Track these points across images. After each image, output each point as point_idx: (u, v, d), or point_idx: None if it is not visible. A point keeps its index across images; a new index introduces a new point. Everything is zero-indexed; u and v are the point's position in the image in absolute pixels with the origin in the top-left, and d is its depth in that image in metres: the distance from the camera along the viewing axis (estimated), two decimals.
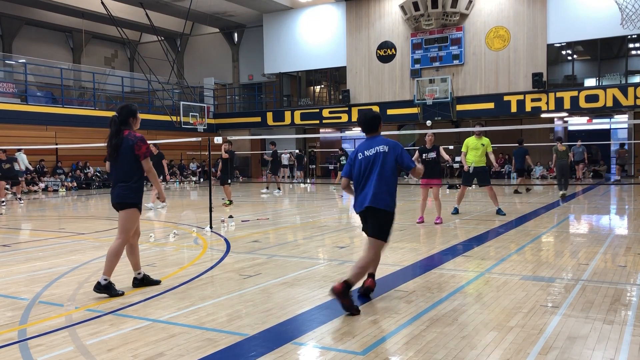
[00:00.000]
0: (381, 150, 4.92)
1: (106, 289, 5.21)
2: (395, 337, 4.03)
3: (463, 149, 11.61)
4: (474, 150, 11.39)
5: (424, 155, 10.36)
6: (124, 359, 3.69)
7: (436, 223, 10.06)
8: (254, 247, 8.06)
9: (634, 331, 4.05)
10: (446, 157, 10.84)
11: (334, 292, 4.56)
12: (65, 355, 3.77)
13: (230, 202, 14.82)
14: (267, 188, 19.78)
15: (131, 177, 5.33)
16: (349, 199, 16.79)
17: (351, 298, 4.60)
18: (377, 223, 4.88)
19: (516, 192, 17.65)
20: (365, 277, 5.10)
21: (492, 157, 11.80)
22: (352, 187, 5.14)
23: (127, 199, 5.32)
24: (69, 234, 9.91)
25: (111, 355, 3.76)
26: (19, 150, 19.60)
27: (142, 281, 5.63)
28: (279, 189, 19.22)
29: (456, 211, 11.71)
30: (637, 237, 8.42)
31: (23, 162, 19.70)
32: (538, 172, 26.05)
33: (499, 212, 11.45)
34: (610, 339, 3.90)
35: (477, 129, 11.27)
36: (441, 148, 10.47)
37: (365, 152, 5.00)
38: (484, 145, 11.36)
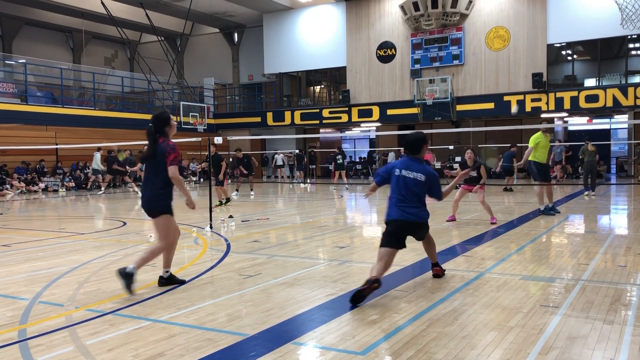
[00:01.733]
0: (419, 179, 5.44)
1: (129, 276, 5.18)
2: (395, 337, 4.03)
3: (531, 144, 11.26)
4: (543, 148, 11.24)
5: None
6: (124, 359, 3.69)
7: (492, 223, 10.00)
8: (254, 247, 8.06)
9: (634, 331, 4.05)
10: (485, 176, 10.44)
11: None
12: (65, 355, 3.77)
13: (220, 202, 14.69)
14: (251, 190, 19.40)
15: (161, 184, 5.43)
16: (345, 198, 16.79)
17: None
18: (423, 231, 5.65)
19: (506, 189, 17.94)
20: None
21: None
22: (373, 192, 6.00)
23: (160, 207, 5.45)
24: (69, 234, 9.91)
25: (111, 355, 3.76)
26: (99, 149, 20.68)
27: (168, 280, 5.64)
28: (237, 190, 18.85)
29: (553, 210, 11.44)
30: (637, 237, 8.42)
31: (96, 161, 20.51)
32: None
33: (553, 209, 11.45)
34: (610, 339, 3.90)
35: (544, 125, 11.20)
36: (482, 167, 10.34)
37: (404, 171, 5.49)
38: (550, 143, 11.32)
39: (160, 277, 5.65)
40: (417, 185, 5.43)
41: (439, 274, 5.87)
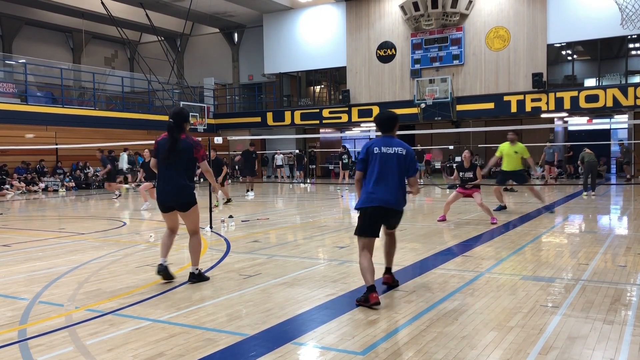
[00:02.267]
0: (401, 153, 5.11)
1: (199, 276, 5.74)
2: (395, 337, 4.03)
3: (497, 154, 11.82)
4: (508, 157, 11.59)
5: (461, 173, 10.49)
6: (124, 359, 3.69)
7: (492, 223, 10.05)
8: (254, 247, 8.07)
9: (634, 331, 4.05)
10: (480, 177, 10.55)
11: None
12: (65, 355, 3.77)
13: (221, 202, 14.63)
14: (252, 190, 19.22)
15: (188, 177, 5.72)
16: (347, 197, 16.78)
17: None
18: (397, 219, 5.32)
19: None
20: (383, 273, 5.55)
21: (530, 162, 12.01)
22: (361, 184, 5.22)
23: (191, 199, 5.72)
24: (69, 234, 9.91)
25: (111, 355, 3.76)
26: (125, 150, 21.12)
27: (166, 270, 5.71)
28: (248, 190, 18.69)
29: (500, 208, 11.91)
30: (637, 237, 8.42)
31: (123, 161, 21.14)
32: (539, 171, 25.99)
33: (549, 209, 11.69)
34: (610, 339, 3.90)
35: (510, 136, 11.57)
36: (478, 168, 10.47)
37: (383, 148, 5.12)
38: (517, 152, 11.48)
39: (162, 267, 5.67)
40: (399, 160, 5.05)
41: (389, 282, 5.45)
